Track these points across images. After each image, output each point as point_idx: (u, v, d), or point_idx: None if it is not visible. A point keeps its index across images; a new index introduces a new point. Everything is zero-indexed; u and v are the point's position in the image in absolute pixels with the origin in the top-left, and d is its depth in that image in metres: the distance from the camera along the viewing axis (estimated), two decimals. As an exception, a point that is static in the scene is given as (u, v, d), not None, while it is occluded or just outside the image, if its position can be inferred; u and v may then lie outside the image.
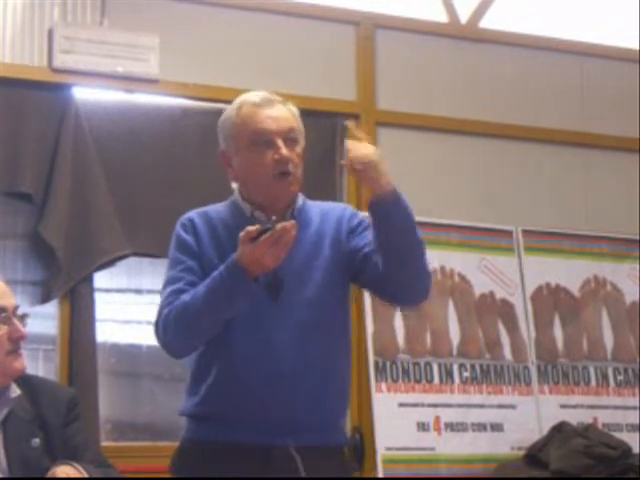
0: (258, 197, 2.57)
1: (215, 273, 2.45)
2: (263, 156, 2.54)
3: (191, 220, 2.61)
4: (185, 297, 2.48)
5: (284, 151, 2.53)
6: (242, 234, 2.40)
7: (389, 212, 2.45)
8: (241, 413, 2.49)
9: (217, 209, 2.65)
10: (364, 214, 2.63)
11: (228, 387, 2.50)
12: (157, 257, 4.45)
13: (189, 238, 2.58)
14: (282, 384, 2.48)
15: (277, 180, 2.54)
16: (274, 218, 2.42)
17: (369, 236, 2.57)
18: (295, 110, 2.64)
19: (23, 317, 2.80)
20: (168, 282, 2.56)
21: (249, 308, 2.48)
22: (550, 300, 5.06)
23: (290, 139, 2.56)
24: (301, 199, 2.64)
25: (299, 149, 2.59)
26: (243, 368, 2.49)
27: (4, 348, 2.73)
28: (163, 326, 2.50)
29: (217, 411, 2.51)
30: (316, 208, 2.65)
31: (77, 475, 2.65)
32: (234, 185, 2.66)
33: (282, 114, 2.59)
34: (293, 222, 2.39)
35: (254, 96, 2.62)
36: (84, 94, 4.48)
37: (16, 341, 2.75)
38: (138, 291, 4.69)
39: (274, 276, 2.49)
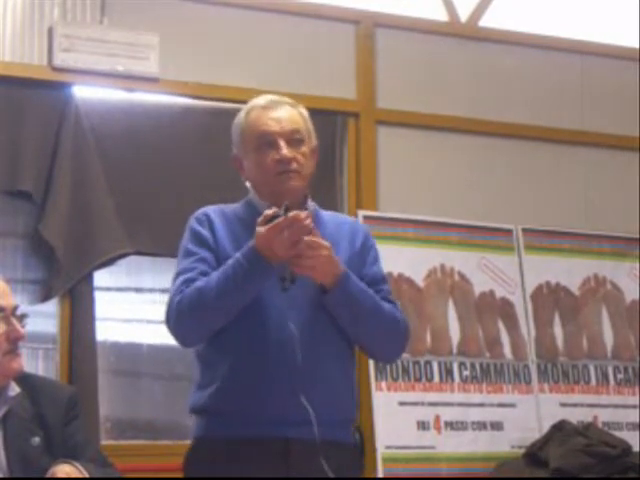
0: (265, 196, 2.63)
1: (230, 260, 2.48)
2: (266, 157, 2.60)
3: (206, 215, 2.65)
4: (199, 283, 2.50)
5: (284, 151, 2.59)
6: (260, 218, 2.46)
7: (336, 305, 2.54)
8: (258, 405, 2.49)
9: (232, 207, 2.70)
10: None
11: (244, 379, 2.50)
12: (157, 256, 4.47)
13: (204, 231, 2.61)
14: (298, 375, 2.50)
15: (277, 178, 2.59)
16: (286, 203, 2.46)
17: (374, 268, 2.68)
18: (304, 111, 2.71)
19: (22, 317, 2.80)
20: (180, 272, 2.57)
21: (261, 299, 2.50)
22: (550, 299, 5.05)
23: (295, 140, 2.63)
24: (313, 205, 2.69)
25: (305, 149, 2.65)
26: (260, 359, 2.50)
27: (2, 348, 2.72)
28: (176, 313, 2.51)
29: (234, 404, 2.51)
30: (328, 216, 2.73)
31: (77, 474, 2.64)
32: (248, 185, 2.71)
33: (287, 115, 2.65)
34: (306, 212, 2.44)
35: (262, 99, 2.69)
36: (84, 93, 4.47)
37: (14, 341, 2.74)
38: (138, 290, 4.69)
39: (288, 270, 2.51)
